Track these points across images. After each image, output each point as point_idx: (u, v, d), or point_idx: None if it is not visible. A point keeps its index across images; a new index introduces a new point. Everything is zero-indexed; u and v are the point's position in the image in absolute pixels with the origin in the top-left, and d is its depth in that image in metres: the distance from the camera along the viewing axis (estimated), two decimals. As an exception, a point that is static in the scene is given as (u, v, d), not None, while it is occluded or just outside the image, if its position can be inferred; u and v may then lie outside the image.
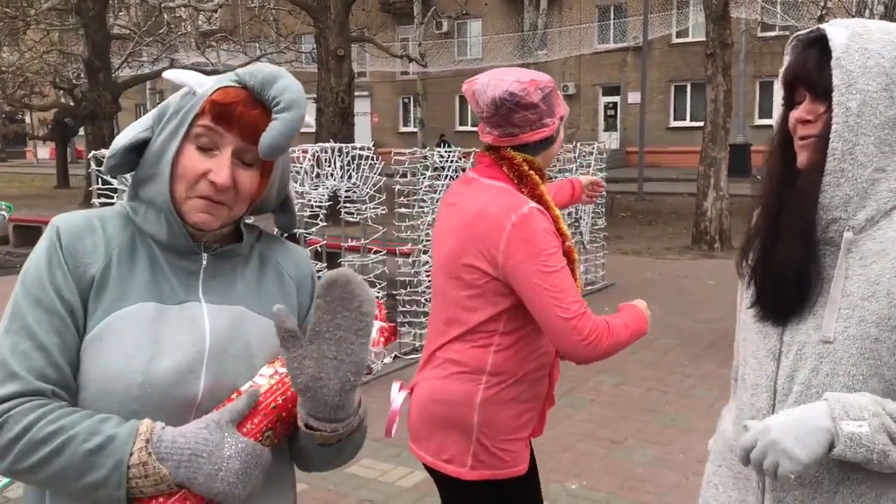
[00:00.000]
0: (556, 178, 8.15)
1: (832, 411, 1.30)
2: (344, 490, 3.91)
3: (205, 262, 1.31)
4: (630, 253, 11.30)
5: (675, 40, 26.77)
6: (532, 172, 2.06)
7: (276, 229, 1.54)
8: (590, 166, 8.74)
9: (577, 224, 8.64)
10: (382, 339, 1.42)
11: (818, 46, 1.39)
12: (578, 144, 8.71)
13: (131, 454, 1.12)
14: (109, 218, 1.31)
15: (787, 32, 22.56)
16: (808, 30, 1.45)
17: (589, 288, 8.87)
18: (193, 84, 1.27)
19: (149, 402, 1.19)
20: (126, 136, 1.30)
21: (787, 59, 1.46)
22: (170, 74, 1.31)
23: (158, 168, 1.26)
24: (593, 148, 8.86)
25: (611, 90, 30.47)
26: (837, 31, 1.37)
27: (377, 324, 1.39)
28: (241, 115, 1.24)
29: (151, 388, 1.19)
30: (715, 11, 11.85)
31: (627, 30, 28.80)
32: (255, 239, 1.41)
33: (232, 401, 1.22)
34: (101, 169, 1.32)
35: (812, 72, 1.38)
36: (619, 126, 30.34)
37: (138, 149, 1.30)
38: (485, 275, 1.99)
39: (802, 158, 1.42)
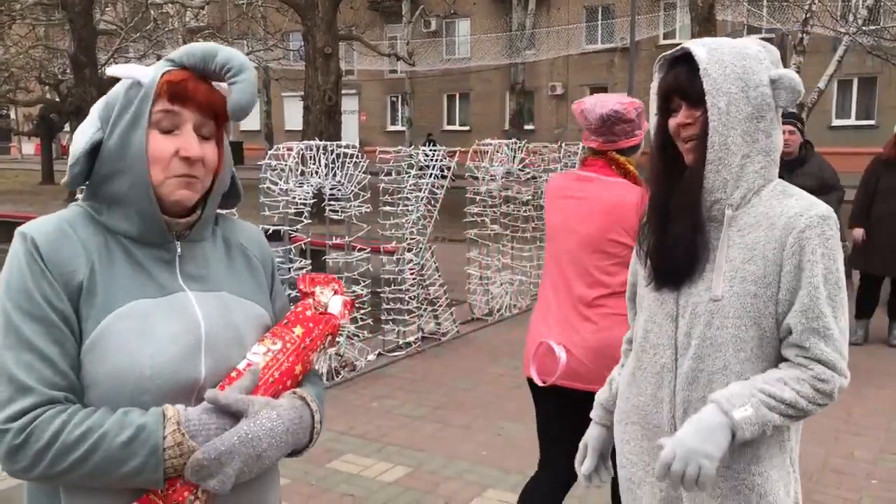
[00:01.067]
0: (541, 177, 8.21)
1: (721, 407, 1.58)
2: (326, 485, 3.94)
3: (179, 250, 1.37)
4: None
5: (662, 42, 26.91)
6: (632, 169, 2.72)
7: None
8: (574, 166, 8.79)
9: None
10: (346, 312, 1.51)
11: (684, 63, 1.69)
12: (564, 144, 8.76)
13: (164, 437, 1.21)
14: (76, 221, 1.33)
15: (773, 35, 22.73)
16: (673, 50, 1.73)
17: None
18: (139, 76, 1.32)
19: (157, 392, 1.26)
20: (80, 141, 1.32)
21: (657, 77, 1.76)
22: (114, 70, 1.34)
23: (125, 162, 1.30)
24: (578, 148, 8.91)
25: (598, 90, 30.52)
26: (699, 49, 1.67)
27: (339, 298, 1.51)
28: (193, 91, 1.33)
29: (159, 378, 1.26)
30: (700, 13, 11.96)
31: (615, 31, 28.92)
32: (214, 222, 1.48)
33: (233, 379, 1.31)
34: (63, 182, 1.37)
35: (685, 83, 1.68)
36: (606, 126, 30.41)
37: (93, 152, 1.33)
38: (626, 247, 2.58)
39: (690, 155, 1.71)
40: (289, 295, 3.95)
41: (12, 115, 36.84)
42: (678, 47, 1.73)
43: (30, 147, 41.40)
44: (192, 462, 1.22)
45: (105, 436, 1.20)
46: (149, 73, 1.33)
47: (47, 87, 24.05)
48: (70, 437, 1.19)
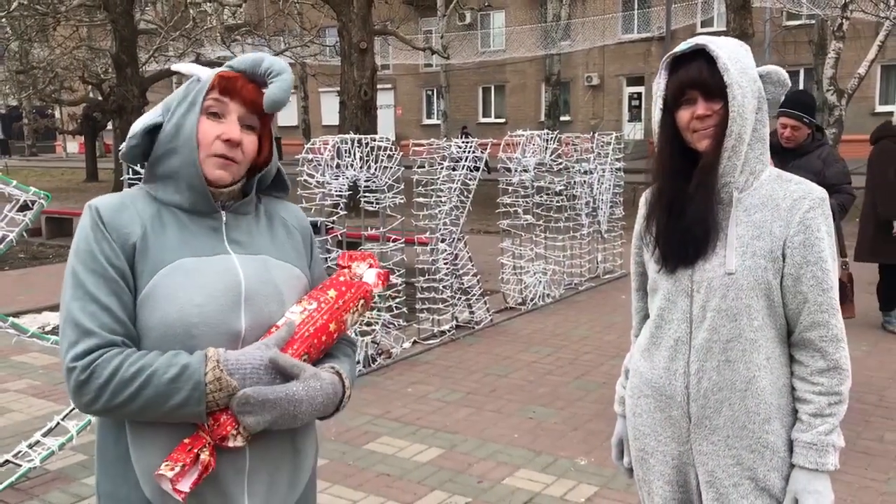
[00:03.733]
0: (573, 167, 8.26)
1: (816, 469, 1.77)
2: (363, 465, 4.09)
3: (224, 219, 1.59)
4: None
5: (700, 30, 26.62)
6: None
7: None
8: (608, 156, 8.83)
9: (594, 213, 8.74)
10: (381, 282, 1.67)
11: (701, 58, 1.80)
12: (597, 135, 8.80)
13: (206, 374, 1.39)
14: (136, 196, 1.57)
15: (813, 21, 22.34)
16: (684, 46, 1.82)
17: (607, 276, 8.98)
18: (200, 73, 1.58)
19: (204, 339, 1.45)
20: (142, 122, 1.56)
21: (663, 74, 1.85)
22: (179, 67, 1.61)
23: (178, 142, 1.53)
24: (612, 138, 8.94)
25: (635, 80, 30.35)
26: (713, 45, 1.78)
27: (373, 270, 1.68)
28: (241, 87, 1.56)
29: (205, 326, 1.46)
30: (735, 1, 11.85)
31: (651, 20, 28.66)
32: (258, 200, 1.69)
33: (272, 333, 1.49)
34: (121, 154, 1.61)
35: (707, 78, 1.79)
36: (643, 116, 30.20)
37: (151, 134, 1.57)
38: None
39: (704, 143, 1.82)
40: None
41: (57, 115, 37.70)
42: (689, 44, 1.83)
43: (74, 145, 42.33)
44: (241, 395, 1.40)
45: (155, 373, 1.39)
46: (208, 72, 1.57)
47: (90, 87, 24.57)
48: (126, 374, 1.39)
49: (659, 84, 1.87)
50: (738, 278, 1.78)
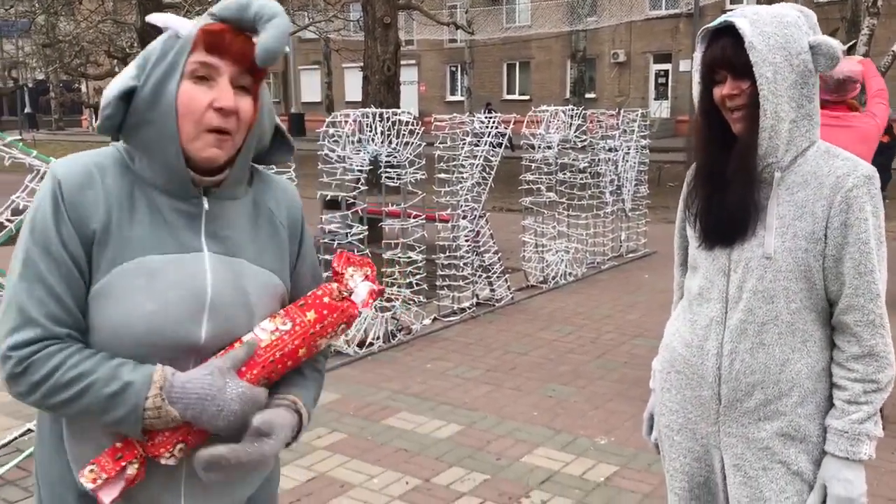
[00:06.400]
0: (598, 144, 8.16)
1: (848, 458, 1.72)
2: (382, 440, 4.08)
3: (206, 206, 1.39)
4: (675, 222, 11.25)
5: (729, 6, 26.16)
6: (860, 108, 4.09)
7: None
8: (633, 133, 8.71)
9: (618, 191, 8.64)
10: (370, 301, 1.49)
11: (729, 35, 1.74)
12: (623, 112, 8.68)
13: (146, 398, 1.27)
14: (108, 166, 1.36)
15: (846, -3, 21.84)
16: (716, 22, 1.78)
17: (630, 255, 8.89)
18: (178, 26, 1.34)
19: (155, 349, 1.32)
20: (115, 86, 1.34)
21: (699, 47, 1.82)
22: (154, 18, 1.36)
23: (156, 112, 1.32)
24: (637, 115, 8.82)
25: (662, 58, 29.95)
26: (742, 21, 1.71)
27: (367, 285, 1.48)
28: (230, 42, 1.33)
29: (156, 336, 1.31)
30: (766, -24, 11.60)
31: (680, -5, 28.23)
32: (249, 182, 1.48)
33: (233, 348, 1.35)
34: (97, 126, 1.39)
35: (731, 56, 1.73)
36: (669, 94, 29.84)
37: (127, 99, 1.35)
38: None
39: (739, 125, 1.77)
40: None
41: (83, 89, 37.95)
42: (720, 20, 1.78)
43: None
44: (214, 457, 1.29)
45: (94, 384, 1.27)
46: (188, 25, 1.34)
47: (116, 61, 24.66)
48: (63, 378, 1.27)
49: (695, 58, 1.84)
50: (777, 260, 1.74)
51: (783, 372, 1.76)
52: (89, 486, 1.28)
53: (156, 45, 1.36)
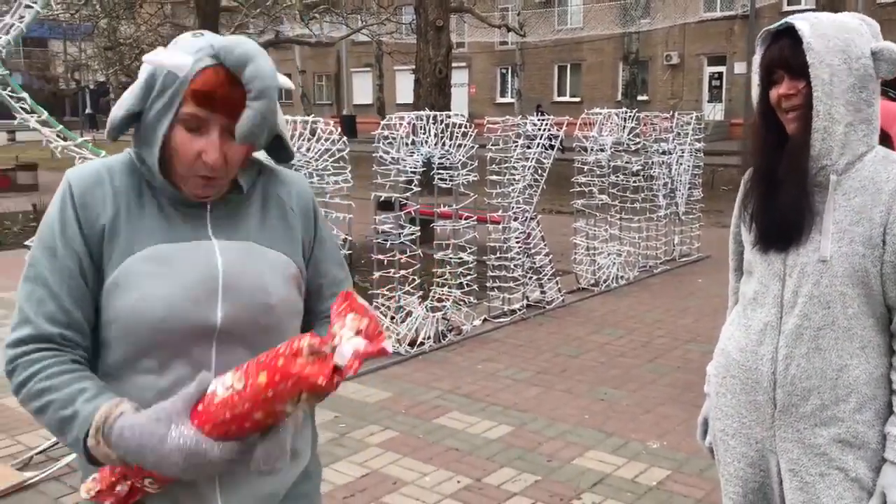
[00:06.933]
0: (651, 147, 8.09)
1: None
2: (433, 439, 4.12)
3: (210, 206, 1.42)
4: (729, 226, 11.06)
5: (787, 7, 25.65)
6: None
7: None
8: (688, 136, 8.62)
9: (672, 195, 8.55)
10: (356, 364, 1.20)
11: (787, 37, 1.76)
12: (677, 114, 8.60)
13: (87, 434, 1.25)
14: (117, 169, 1.41)
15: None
16: (777, 24, 1.80)
17: (683, 260, 8.79)
18: (173, 67, 1.31)
19: (171, 333, 1.33)
20: (121, 107, 1.36)
21: (759, 49, 1.83)
22: (150, 58, 1.33)
23: (153, 138, 1.35)
24: (692, 118, 8.72)
25: (716, 60, 29.52)
26: (802, 23, 1.74)
27: (355, 343, 1.20)
28: (223, 98, 1.31)
29: (171, 321, 1.33)
30: (826, -24, 11.36)
31: (735, -3, 27.79)
32: (256, 174, 1.50)
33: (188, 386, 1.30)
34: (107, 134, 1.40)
35: (789, 56, 1.75)
36: (723, 97, 29.40)
37: (135, 120, 1.37)
38: None
39: (792, 125, 1.78)
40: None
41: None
42: (781, 21, 1.79)
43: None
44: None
45: (52, 403, 1.29)
46: (185, 64, 1.31)
47: (174, 64, 25.16)
48: (33, 388, 1.30)
49: (755, 60, 1.84)
50: (833, 265, 1.72)
51: (840, 377, 1.74)
52: (85, 495, 1.28)
53: (160, 71, 1.33)
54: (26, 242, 4.23)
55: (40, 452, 3.87)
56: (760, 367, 1.83)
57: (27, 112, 4.13)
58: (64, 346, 1.34)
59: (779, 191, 1.79)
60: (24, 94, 4.15)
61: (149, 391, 1.34)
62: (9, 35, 4.12)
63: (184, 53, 1.32)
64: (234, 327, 1.37)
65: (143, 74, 1.36)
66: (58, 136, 4.18)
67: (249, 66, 1.29)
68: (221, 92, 1.31)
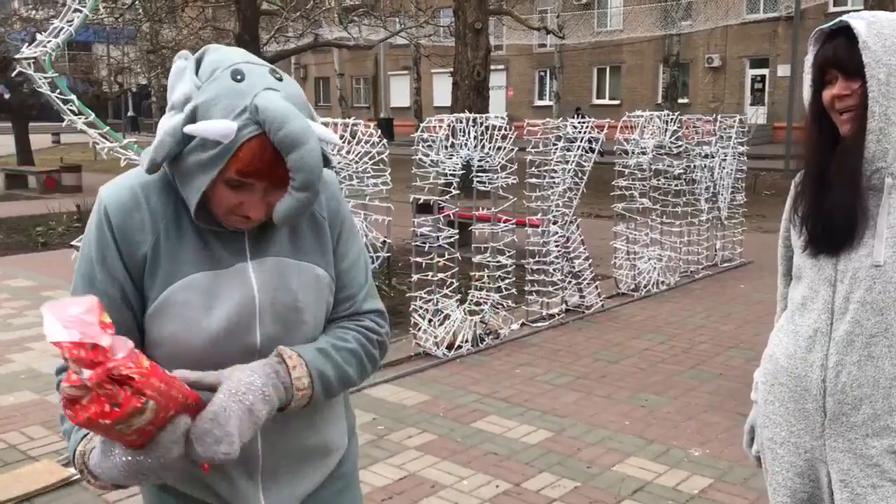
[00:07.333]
0: (693, 150, 7.98)
1: None
2: (471, 443, 4.10)
3: (248, 229, 1.41)
4: (772, 231, 10.87)
5: (832, 9, 25.18)
6: None
7: None
8: (731, 139, 8.49)
9: (714, 199, 8.43)
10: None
11: (842, 36, 1.71)
12: (719, 117, 8.48)
13: (75, 452, 1.32)
14: (152, 187, 1.37)
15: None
16: (831, 23, 1.74)
17: (725, 265, 8.66)
18: (217, 137, 1.25)
19: (213, 357, 1.36)
20: (162, 149, 1.29)
21: (811, 49, 1.78)
22: (191, 128, 1.26)
23: (191, 188, 1.31)
24: (735, 121, 8.59)
25: (759, 62, 29.10)
26: (857, 22, 1.69)
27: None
28: (267, 172, 1.29)
29: (213, 347, 1.36)
30: (875, -23, 11.13)
31: (779, -2, 27.37)
32: None
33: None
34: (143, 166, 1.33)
35: (843, 56, 1.70)
36: (766, 100, 28.96)
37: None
38: None
39: (846, 127, 1.73)
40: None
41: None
42: (836, 20, 1.74)
43: (198, 123, 44.02)
44: (196, 432, 1.22)
45: (64, 417, 1.31)
46: (229, 133, 1.25)
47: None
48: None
49: (807, 60, 1.79)
50: (888, 270, 1.67)
51: (893, 386, 1.69)
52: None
53: (205, 131, 1.26)
54: (73, 243, 4.32)
55: (84, 449, 3.93)
56: (810, 374, 1.78)
57: (75, 114, 4.20)
58: None
59: (830, 193, 1.74)
60: (72, 97, 4.21)
61: None
62: (58, 38, 4.19)
63: (226, 119, 1.26)
64: (273, 344, 1.41)
65: (185, 111, 1.28)
66: (104, 137, 4.25)
67: (294, 154, 1.26)
68: (265, 168, 1.29)
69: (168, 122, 1.29)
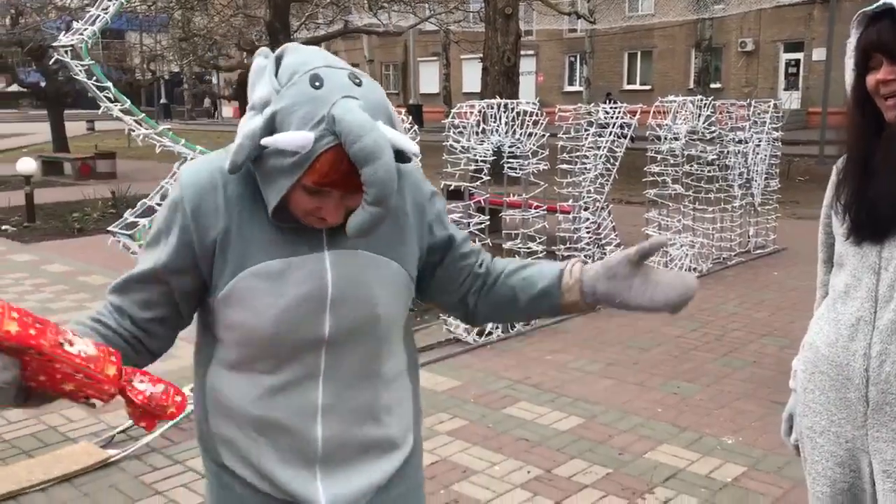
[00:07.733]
0: (727, 136, 7.88)
1: None
2: (502, 428, 4.11)
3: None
4: (805, 218, 10.71)
5: (870, -9, 24.67)
6: None
7: None
8: (765, 125, 8.37)
9: (748, 185, 8.33)
10: (144, 423, 1.31)
11: (886, 19, 1.66)
12: (753, 102, 8.36)
13: None
14: (232, 175, 1.35)
15: None
16: (874, 5, 1.69)
17: (758, 252, 8.56)
18: (295, 148, 1.25)
19: (282, 346, 1.39)
20: (241, 152, 1.28)
21: (854, 32, 1.73)
22: (269, 141, 1.26)
23: (271, 189, 1.32)
24: (769, 106, 8.47)
25: (793, 46, 28.61)
26: None
27: (153, 388, 1.29)
28: (343, 183, 1.29)
29: (282, 335, 1.37)
30: (915, -43, 10.87)
31: (815, -19, 26.87)
32: None
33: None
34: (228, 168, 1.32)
35: (889, 40, 1.66)
36: (800, 85, 28.49)
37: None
38: None
39: (891, 112, 1.68)
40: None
41: (214, 81, 39.68)
42: (879, 2, 1.70)
43: (228, 110, 44.43)
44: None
45: None
46: (306, 144, 1.25)
47: (245, 53, 25.67)
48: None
49: (849, 44, 1.75)
50: None
51: None
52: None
53: (282, 143, 1.26)
54: (109, 228, 4.38)
55: (122, 431, 4.01)
56: (852, 363, 1.75)
57: (111, 101, 4.25)
58: (117, 323, 1.39)
59: (875, 180, 1.71)
60: (108, 84, 4.27)
61: (260, 387, 1.43)
62: (94, 26, 4.24)
63: (304, 128, 1.25)
64: (342, 337, 1.41)
65: (264, 116, 1.27)
66: (139, 124, 4.30)
67: (368, 168, 1.24)
68: (340, 178, 1.28)
69: (248, 126, 1.28)
